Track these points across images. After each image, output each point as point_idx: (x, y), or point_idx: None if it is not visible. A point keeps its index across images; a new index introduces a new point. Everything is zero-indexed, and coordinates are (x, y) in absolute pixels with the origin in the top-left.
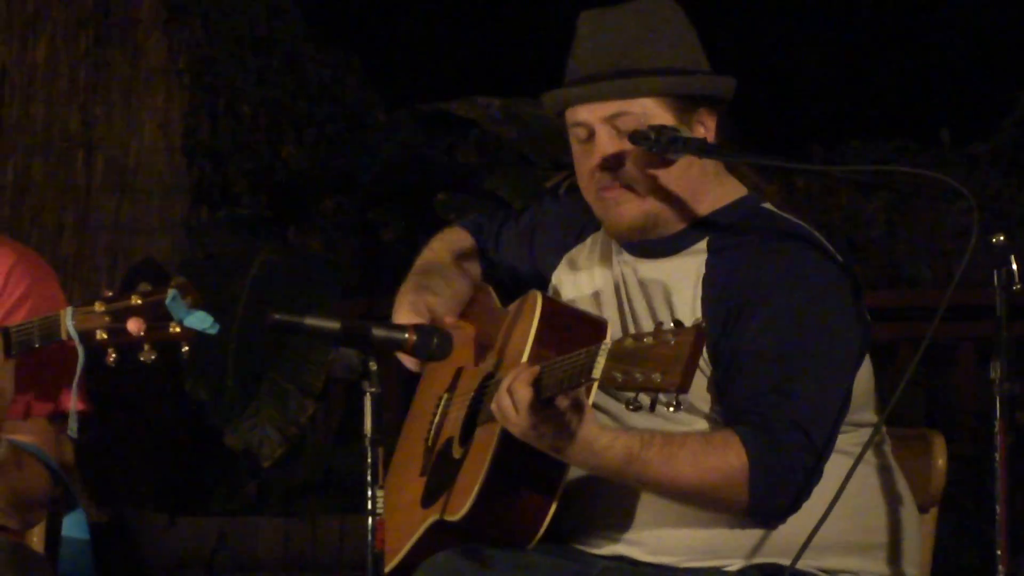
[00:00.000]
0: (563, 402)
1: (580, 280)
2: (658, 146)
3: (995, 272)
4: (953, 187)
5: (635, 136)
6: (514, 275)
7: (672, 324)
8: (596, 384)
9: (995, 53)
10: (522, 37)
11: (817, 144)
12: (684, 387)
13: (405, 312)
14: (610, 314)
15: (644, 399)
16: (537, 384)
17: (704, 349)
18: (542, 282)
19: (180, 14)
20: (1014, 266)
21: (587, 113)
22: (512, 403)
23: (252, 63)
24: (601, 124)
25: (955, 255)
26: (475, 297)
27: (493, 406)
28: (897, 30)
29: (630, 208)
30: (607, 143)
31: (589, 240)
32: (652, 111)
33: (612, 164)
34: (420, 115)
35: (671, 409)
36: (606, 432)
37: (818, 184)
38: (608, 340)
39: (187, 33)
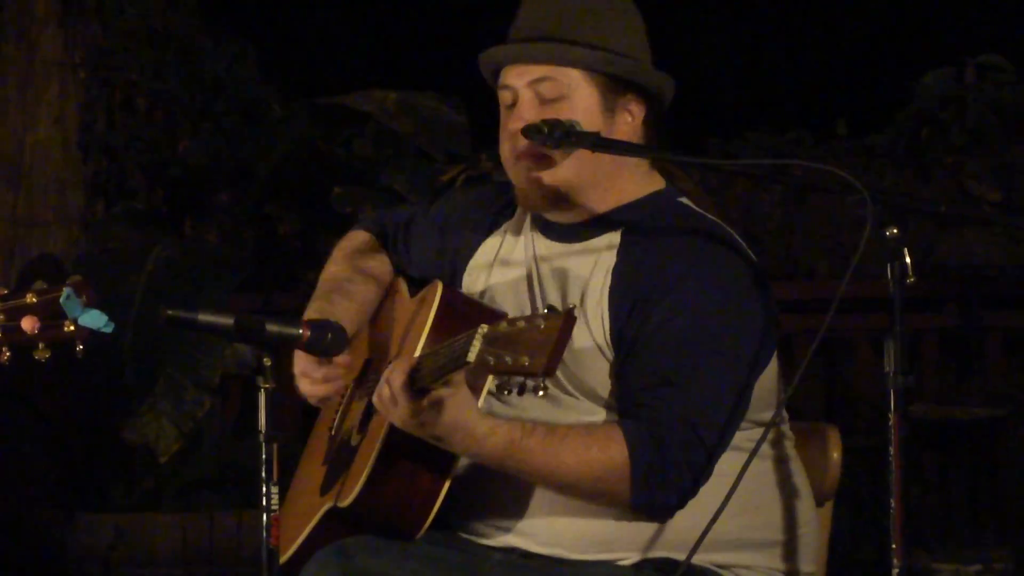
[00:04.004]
0: (440, 390)
1: (494, 270)
2: (551, 140)
3: (888, 265)
4: (846, 180)
5: (527, 130)
6: (424, 269)
7: (546, 310)
8: (487, 374)
9: (892, 44)
10: (419, 30)
11: (714, 137)
12: (550, 371)
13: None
14: (526, 303)
15: (514, 383)
16: (414, 373)
17: (608, 336)
18: (455, 273)
19: (76, 8)
20: (907, 259)
21: (515, 76)
22: (390, 393)
23: (148, 57)
24: (525, 88)
25: (851, 248)
26: (387, 293)
27: (375, 396)
28: (794, 21)
29: (546, 175)
30: (528, 108)
31: (502, 228)
32: (577, 83)
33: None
34: (316, 108)
35: (539, 393)
36: (487, 420)
37: (715, 177)
38: (485, 326)
39: (83, 27)
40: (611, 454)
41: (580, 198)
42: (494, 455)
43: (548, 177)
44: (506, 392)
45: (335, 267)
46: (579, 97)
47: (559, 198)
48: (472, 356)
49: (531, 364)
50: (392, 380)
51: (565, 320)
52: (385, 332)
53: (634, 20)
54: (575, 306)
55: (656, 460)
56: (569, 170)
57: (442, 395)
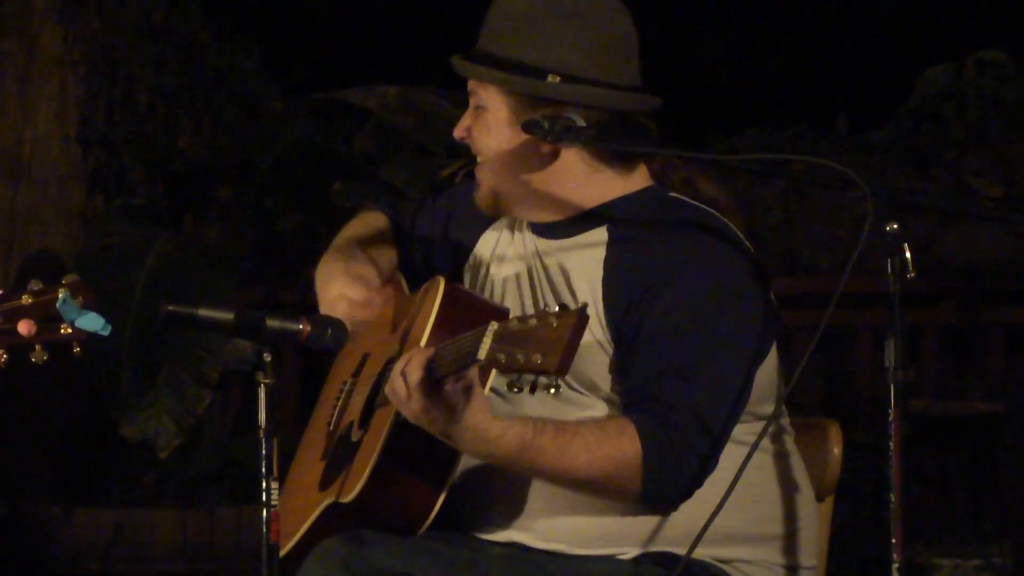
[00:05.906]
0: (454, 386)
1: (492, 265)
2: (551, 136)
3: (889, 260)
4: (846, 175)
5: (528, 125)
6: (428, 259)
7: (557, 308)
8: (491, 371)
9: (892, 39)
10: (419, 25)
11: (715, 132)
12: (563, 370)
13: (338, 279)
14: (524, 299)
15: (525, 381)
16: (430, 366)
17: (606, 329)
18: (456, 267)
19: (76, 3)
20: (907, 254)
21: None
22: (405, 385)
23: (149, 51)
24: (471, 97)
25: (852, 243)
26: (389, 282)
27: (387, 389)
28: (794, 16)
29: (481, 181)
30: (466, 116)
31: (499, 223)
32: (492, 97)
33: (467, 137)
34: (317, 104)
35: (551, 391)
36: (498, 421)
37: (715, 172)
38: (495, 323)
39: (83, 22)
40: (623, 449)
41: (532, 202)
42: (505, 456)
43: (484, 183)
44: (515, 390)
45: (352, 231)
46: (492, 111)
47: (497, 204)
48: (482, 354)
49: (544, 362)
50: (409, 374)
51: (578, 319)
52: (384, 326)
53: (579, 32)
54: (587, 304)
55: (668, 451)
56: (491, 175)
57: (455, 392)
